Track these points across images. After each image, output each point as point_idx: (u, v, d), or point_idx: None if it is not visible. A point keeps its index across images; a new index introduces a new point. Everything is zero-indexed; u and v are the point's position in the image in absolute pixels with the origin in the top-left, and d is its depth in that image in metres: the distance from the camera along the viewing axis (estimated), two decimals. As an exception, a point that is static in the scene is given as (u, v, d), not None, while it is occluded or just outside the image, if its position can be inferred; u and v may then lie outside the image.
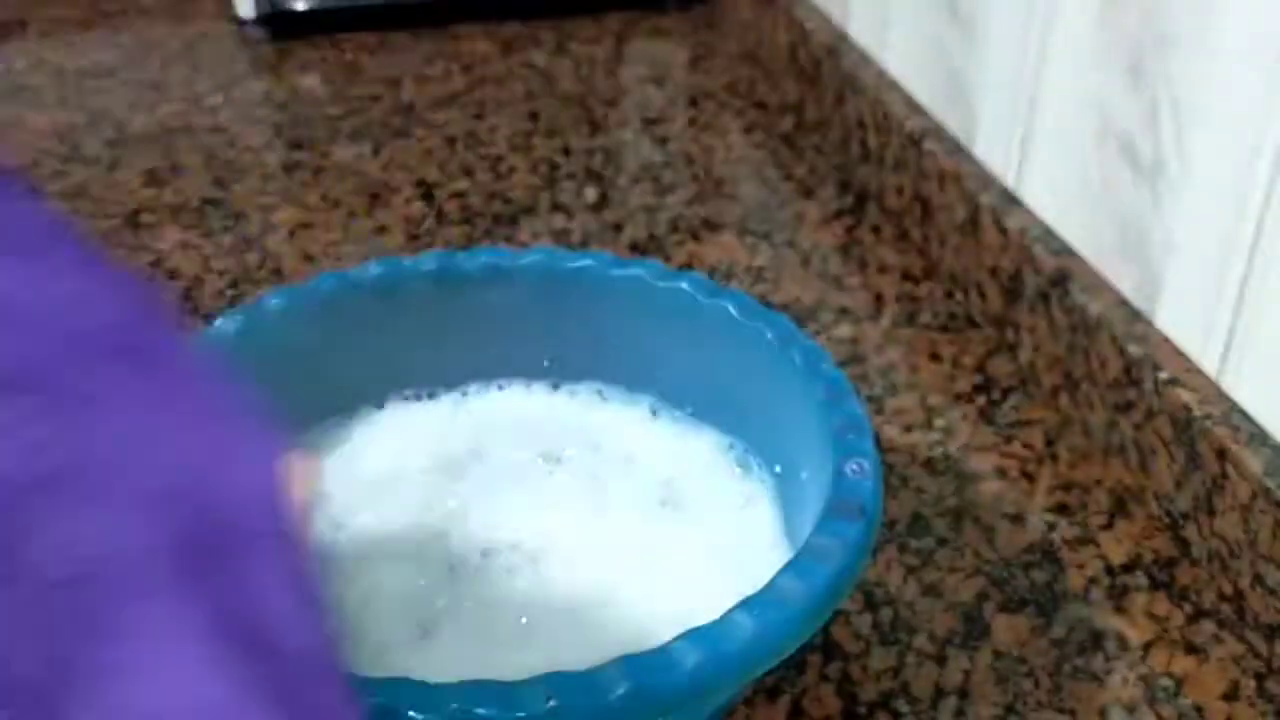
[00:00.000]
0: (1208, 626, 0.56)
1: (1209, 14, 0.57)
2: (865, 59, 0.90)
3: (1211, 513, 0.57)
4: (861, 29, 0.91)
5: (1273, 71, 0.53)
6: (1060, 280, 0.67)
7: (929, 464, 0.64)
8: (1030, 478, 0.64)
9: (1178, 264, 0.61)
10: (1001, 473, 0.64)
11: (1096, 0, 0.64)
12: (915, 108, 0.83)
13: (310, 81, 1.02)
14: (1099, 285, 0.66)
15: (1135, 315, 0.64)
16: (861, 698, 0.52)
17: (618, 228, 0.83)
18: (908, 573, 0.58)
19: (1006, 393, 0.69)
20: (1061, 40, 0.68)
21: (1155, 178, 0.62)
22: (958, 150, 0.78)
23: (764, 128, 0.96)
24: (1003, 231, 0.71)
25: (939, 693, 0.52)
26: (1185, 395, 0.59)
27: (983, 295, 0.74)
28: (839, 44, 0.92)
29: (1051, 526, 0.61)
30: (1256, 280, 0.56)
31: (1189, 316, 0.61)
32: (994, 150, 0.75)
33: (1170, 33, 0.59)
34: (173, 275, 0.78)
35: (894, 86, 0.85)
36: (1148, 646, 0.55)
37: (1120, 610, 0.56)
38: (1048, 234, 0.70)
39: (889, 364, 0.71)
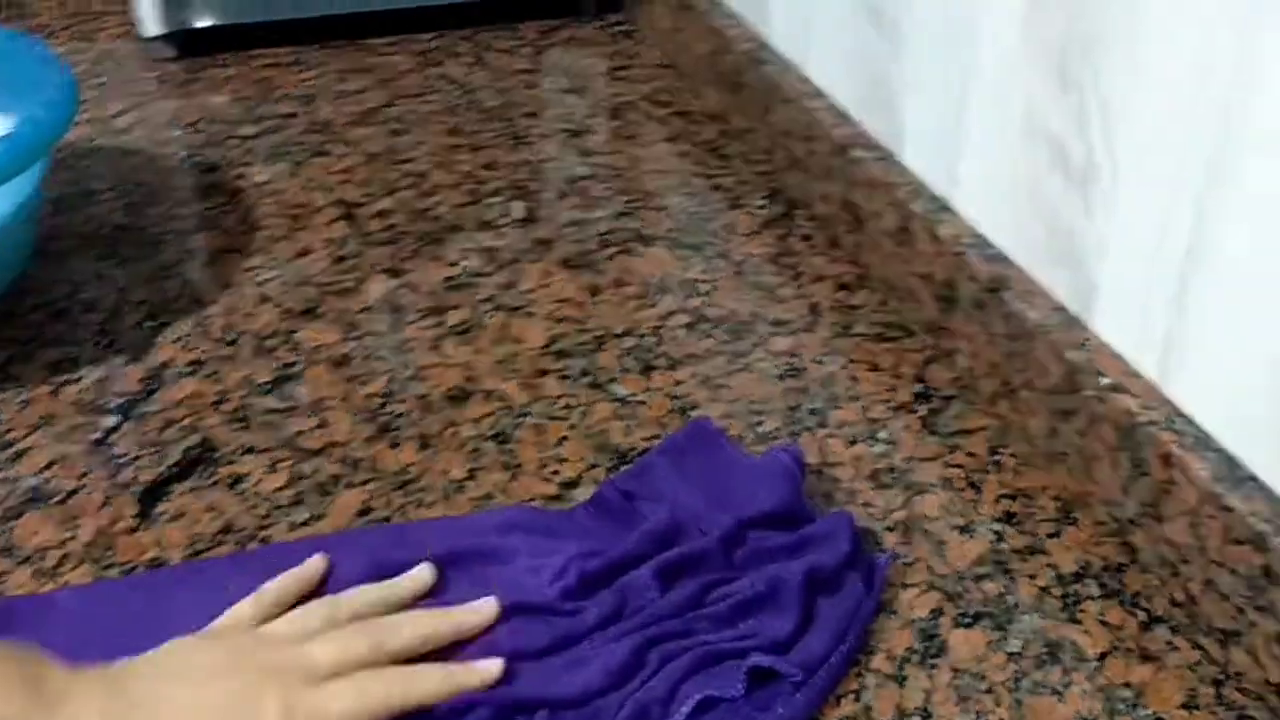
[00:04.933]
0: (1161, 633, 0.56)
1: (1134, 13, 0.57)
2: (788, 67, 0.89)
3: (1159, 518, 0.57)
4: (783, 37, 0.91)
5: (1201, 69, 0.53)
6: (996, 287, 0.67)
7: (875, 476, 0.64)
8: (976, 487, 0.63)
9: (1112, 268, 0.61)
10: (948, 482, 0.64)
11: (1021, 2, 0.64)
12: (841, 115, 0.82)
13: (221, 100, 0.99)
14: (1035, 291, 0.66)
15: (1073, 321, 0.64)
16: (822, 722, 0.52)
17: (547, 244, 0.82)
18: (860, 590, 0.58)
19: (947, 400, 0.69)
20: (986, 44, 0.67)
21: (1086, 181, 0.62)
22: (886, 158, 0.77)
23: (688, 137, 0.95)
24: (935, 239, 0.71)
25: (901, 714, 0.52)
26: (1127, 400, 0.59)
27: (918, 303, 0.74)
28: (760, 51, 0.91)
29: (1000, 536, 0.61)
30: (1192, 281, 0.56)
31: (1126, 320, 0.61)
32: (923, 157, 0.75)
33: (1096, 33, 0.59)
34: (89, 308, 0.75)
35: (818, 94, 0.85)
36: (1104, 656, 0.55)
37: (1074, 620, 0.56)
38: (981, 241, 0.69)
39: (829, 375, 0.71)
